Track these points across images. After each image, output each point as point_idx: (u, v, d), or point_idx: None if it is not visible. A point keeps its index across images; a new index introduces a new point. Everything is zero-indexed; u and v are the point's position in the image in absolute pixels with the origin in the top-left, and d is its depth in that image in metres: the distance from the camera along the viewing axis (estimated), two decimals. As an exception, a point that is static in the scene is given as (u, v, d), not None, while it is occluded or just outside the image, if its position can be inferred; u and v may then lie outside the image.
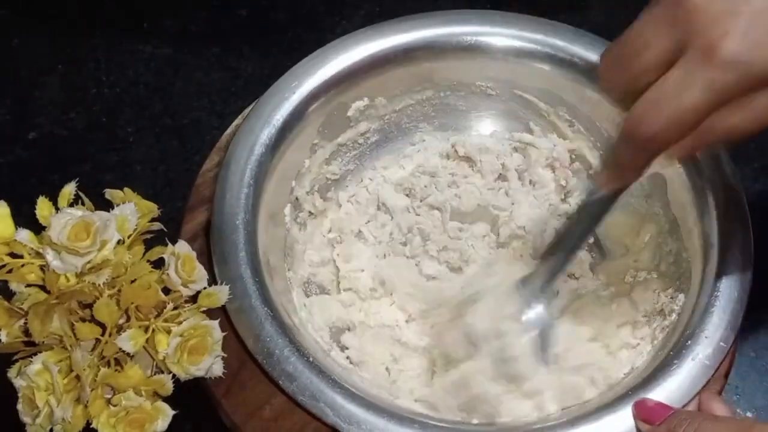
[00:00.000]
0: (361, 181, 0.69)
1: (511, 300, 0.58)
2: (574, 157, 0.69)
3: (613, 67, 0.46)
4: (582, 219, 0.56)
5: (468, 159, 0.69)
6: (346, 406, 0.51)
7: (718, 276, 0.55)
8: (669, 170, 0.62)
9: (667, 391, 0.51)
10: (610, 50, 0.46)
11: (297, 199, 0.66)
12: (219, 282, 0.55)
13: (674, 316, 0.57)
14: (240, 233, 0.57)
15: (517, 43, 0.66)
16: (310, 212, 0.67)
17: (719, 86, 0.41)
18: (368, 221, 0.68)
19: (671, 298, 0.59)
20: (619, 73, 0.45)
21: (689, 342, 0.53)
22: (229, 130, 0.64)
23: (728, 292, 0.54)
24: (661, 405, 0.50)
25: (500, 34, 0.66)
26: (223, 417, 0.54)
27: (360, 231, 0.67)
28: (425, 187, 0.68)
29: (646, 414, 0.50)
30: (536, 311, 0.58)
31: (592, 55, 0.64)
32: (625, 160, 0.47)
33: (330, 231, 0.67)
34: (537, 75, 0.67)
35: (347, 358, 0.60)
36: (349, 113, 0.67)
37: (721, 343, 0.52)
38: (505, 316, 0.58)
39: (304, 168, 0.66)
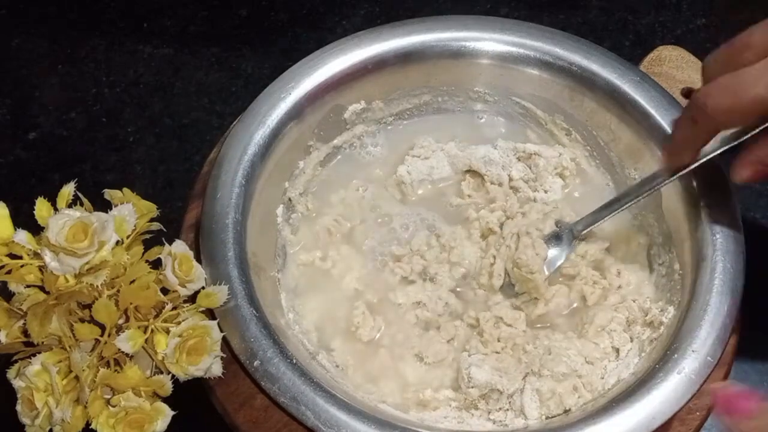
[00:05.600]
0: (355, 183, 0.69)
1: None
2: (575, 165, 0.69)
3: (718, 57, 0.49)
4: (634, 189, 0.61)
5: (473, 172, 0.69)
6: (327, 410, 0.50)
7: (709, 290, 0.54)
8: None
9: (652, 405, 0.51)
10: (720, 48, 0.50)
11: (290, 200, 0.66)
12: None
13: (663, 328, 0.57)
14: (229, 233, 0.57)
15: (515, 50, 0.66)
16: (302, 214, 0.66)
17: None
18: (360, 224, 0.67)
19: (661, 310, 0.59)
20: (722, 63, 0.48)
21: (676, 356, 0.52)
22: (235, 123, 0.64)
23: (718, 307, 0.54)
24: (748, 392, 0.40)
25: (497, 41, 0.66)
26: (216, 405, 0.54)
27: (351, 234, 0.67)
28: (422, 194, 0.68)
29: (735, 406, 0.40)
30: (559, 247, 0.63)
31: (590, 64, 0.64)
32: (683, 133, 0.51)
33: (321, 233, 0.66)
34: (534, 82, 0.66)
35: (334, 361, 0.60)
36: (346, 115, 0.67)
37: (708, 358, 0.52)
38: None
39: (298, 169, 0.66)
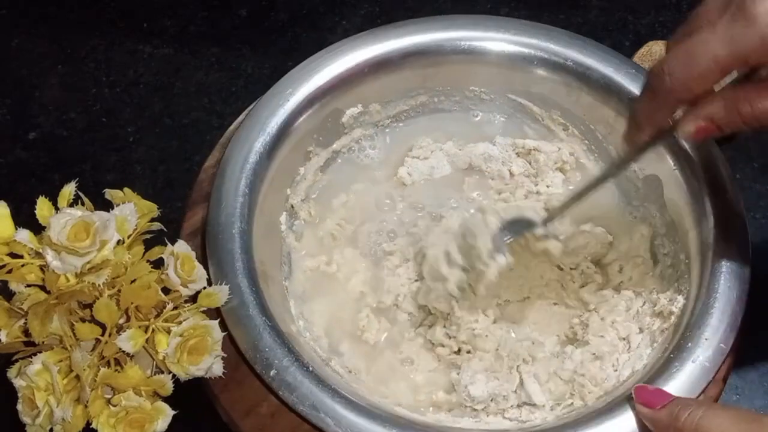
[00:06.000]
0: (355, 187, 0.69)
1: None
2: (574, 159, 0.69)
3: (678, 31, 0.47)
4: (604, 172, 0.57)
5: (474, 168, 0.69)
6: (346, 416, 0.51)
7: (717, 278, 0.55)
8: (665, 173, 0.62)
9: None
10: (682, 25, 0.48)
11: (292, 207, 0.66)
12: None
13: (673, 318, 0.57)
14: (236, 242, 0.57)
15: (511, 48, 0.66)
16: (305, 220, 0.66)
17: (738, 43, 0.42)
18: (362, 226, 0.67)
19: (670, 300, 0.59)
20: (681, 35, 0.46)
21: (689, 344, 0.53)
22: (232, 127, 0.64)
23: (727, 294, 0.54)
24: (660, 390, 0.50)
25: (494, 39, 0.66)
26: (221, 413, 0.54)
27: (355, 237, 0.67)
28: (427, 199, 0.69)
29: (645, 398, 0.50)
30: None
31: (586, 59, 0.65)
32: (643, 107, 0.49)
33: (325, 238, 0.66)
34: (531, 79, 0.67)
35: (345, 366, 0.60)
36: (343, 120, 0.67)
37: (721, 345, 0.52)
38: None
39: (299, 175, 0.66)
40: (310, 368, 0.52)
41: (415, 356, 0.61)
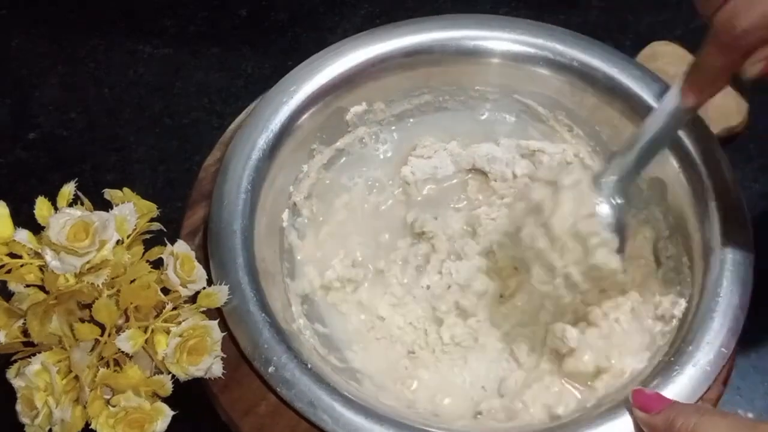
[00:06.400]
0: (359, 185, 0.69)
1: (588, 198, 0.56)
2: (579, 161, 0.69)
3: None
4: (658, 131, 0.54)
5: (477, 170, 0.69)
6: (343, 414, 0.50)
7: (719, 281, 0.55)
8: (669, 175, 0.62)
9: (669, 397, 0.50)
10: None
11: (295, 204, 0.66)
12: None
13: (675, 321, 0.57)
14: (238, 240, 0.57)
15: (516, 48, 0.66)
16: (307, 218, 0.66)
17: None
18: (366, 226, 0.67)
19: (672, 303, 0.59)
20: None
21: (690, 348, 0.53)
22: (233, 126, 0.64)
23: (729, 298, 0.54)
24: (658, 395, 0.50)
25: (499, 39, 0.66)
26: (220, 412, 0.54)
27: (358, 236, 0.67)
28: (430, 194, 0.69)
29: (642, 402, 0.50)
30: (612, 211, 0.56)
31: (591, 59, 0.64)
32: (713, 61, 0.47)
33: (327, 236, 0.66)
34: (536, 79, 0.66)
35: (346, 363, 0.60)
36: (348, 118, 0.67)
37: (722, 349, 0.52)
38: (583, 216, 0.55)
39: (302, 173, 0.66)
40: (309, 366, 0.52)
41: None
